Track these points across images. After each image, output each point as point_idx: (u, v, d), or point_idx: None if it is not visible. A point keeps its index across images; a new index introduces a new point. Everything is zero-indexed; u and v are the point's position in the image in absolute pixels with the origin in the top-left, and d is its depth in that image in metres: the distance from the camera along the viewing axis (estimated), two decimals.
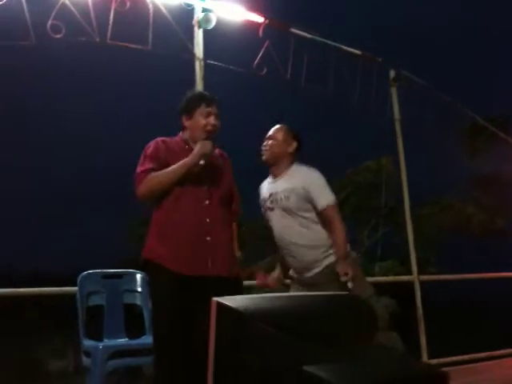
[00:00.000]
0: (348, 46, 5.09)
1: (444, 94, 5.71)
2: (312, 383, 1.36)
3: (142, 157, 2.64)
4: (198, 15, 4.10)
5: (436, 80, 5.70)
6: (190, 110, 2.69)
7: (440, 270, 11.55)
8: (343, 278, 2.71)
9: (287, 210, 2.96)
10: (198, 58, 4.11)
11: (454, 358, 5.04)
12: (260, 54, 4.37)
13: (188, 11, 4.10)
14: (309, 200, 2.93)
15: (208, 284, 2.44)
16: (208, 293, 1.82)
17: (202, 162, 2.56)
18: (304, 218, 2.94)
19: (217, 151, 2.74)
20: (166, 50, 4.11)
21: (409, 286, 5.34)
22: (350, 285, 2.70)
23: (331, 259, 2.88)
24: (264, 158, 3.10)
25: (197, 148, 2.58)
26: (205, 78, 4.10)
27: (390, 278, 8.15)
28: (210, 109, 2.68)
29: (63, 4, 3.55)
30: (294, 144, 3.09)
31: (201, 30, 4.15)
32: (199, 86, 4.04)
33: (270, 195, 3.05)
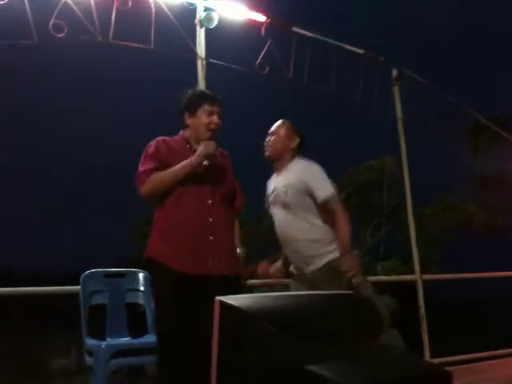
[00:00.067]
0: (350, 45, 5.08)
1: (446, 93, 5.70)
2: (315, 382, 1.36)
3: (143, 156, 2.64)
4: (200, 14, 4.09)
5: (436, 79, 5.69)
6: (193, 108, 2.69)
7: (442, 269, 11.55)
8: (348, 273, 2.68)
9: (286, 205, 2.94)
10: (200, 57, 4.11)
11: (457, 358, 5.02)
12: (262, 53, 4.36)
13: (190, 10, 4.10)
14: (308, 193, 2.89)
15: (211, 283, 2.44)
16: (211, 292, 1.82)
17: (205, 163, 2.56)
18: (304, 212, 2.91)
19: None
20: (167, 49, 4.11)
21: (411, 285, 5.33)
22: (354, 281, 2.68)
23: (332, 256, 2.84)
24: (267, 153, 3.09)
25: (200, 148, 2.58)
26: (207, 77, 4.10)
27: (393, 278, 8.16)
28: (213, 107, 2.68)
29: (65, 3, 3.55)
30: (297, 139, 3.08)
31: (203, 29, 4.14)
32: (201, 85, 4.04)
33: (273, 191, 3.05)
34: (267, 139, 3.09)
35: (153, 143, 2.67)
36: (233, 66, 4.33)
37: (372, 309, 1.93)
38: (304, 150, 3.13)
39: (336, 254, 2.84)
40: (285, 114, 3.15)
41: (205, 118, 2.66)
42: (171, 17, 3.97)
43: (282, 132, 3.07)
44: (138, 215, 13.71)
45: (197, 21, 4.12)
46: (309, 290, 2.86)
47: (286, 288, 3.16)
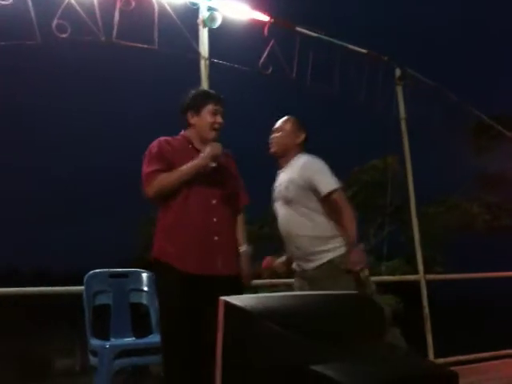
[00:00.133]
0: (353, 44, 5.08)
1: (449, 92, 5.69)
2: (319, 382, 1.36)
3: (147, 157, 2.64)
4: (204, 14, 4.09)
5: (437, 79, 5.67)
6: (197, 107, 2.68)
7: (446, 269, 11.53)
8: (356, 267, 2.66)
9: (288, 201, 2.92)
10: (204, 57, 4.11)
11: (460, 358, 5.02)
12: (265, 53, 4.36)
13: (193, 10, 4.10)
14: (311, 188, 2.86)
15: (215, 283, 2.45)
16: (216, 292, 1.82)
17: (212, 164, 2.56)
18: (305, 208, 2.87)
19: None
20: (171, 49, 4.11)
21: (415, 285, 5.32)
22: (363, 274, 2.66)
23: (333, 254, 2.81)
24: (272, 150, 3.06)
25: (207, 150, 2.57)
26: (210, 77, 4.09)
27: (397, 278, 8.13)
28: (217, 107, 2.68)
29: (69, 3, 3.56)
30: (303, 135, 3.06)
31: (206, 29, 4.14)
32: (204, 84, 4.03)
33: (277, 187, 3.04)
34: (272, 135, 3.08)
35: (156, 144, 2.66)
36: (236, 65, 4.33)
37: (376, 308, 1.92)
38: (308, 149, 3.11)
39: (339, 252, 2.81)
40: (288, 114, 3.14)
41: (209, 117, 2.66)
42: (174, 17, 3.97)
43: (288, 127, 3.05)
44: (138, 215, 13.76)
45: (200, 20, 4.12)
46: (309, 287, 2.84)
47: (290, 288, 3.16)
